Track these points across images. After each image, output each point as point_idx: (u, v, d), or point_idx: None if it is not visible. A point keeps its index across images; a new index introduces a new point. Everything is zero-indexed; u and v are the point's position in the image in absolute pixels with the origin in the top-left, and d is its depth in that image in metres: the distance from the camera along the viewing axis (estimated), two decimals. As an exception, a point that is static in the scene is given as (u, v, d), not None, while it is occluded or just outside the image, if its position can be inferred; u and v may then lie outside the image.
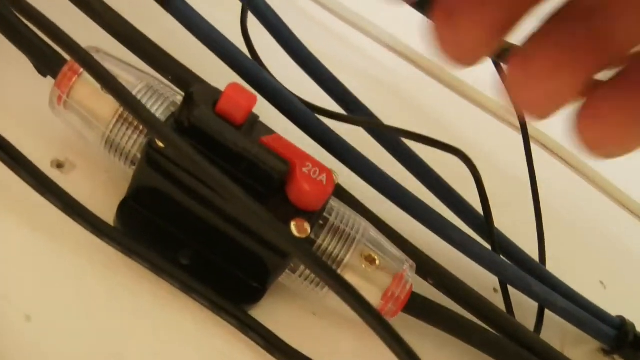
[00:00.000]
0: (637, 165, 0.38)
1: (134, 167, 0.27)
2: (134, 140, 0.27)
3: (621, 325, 0.36)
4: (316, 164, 0.26)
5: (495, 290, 0.36)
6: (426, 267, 0.31)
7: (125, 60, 0.28)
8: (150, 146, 0.25)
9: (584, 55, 0.14)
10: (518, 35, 0.15)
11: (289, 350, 0.27)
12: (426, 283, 0.31)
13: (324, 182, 0.25)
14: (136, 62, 0.28)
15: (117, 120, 0.27)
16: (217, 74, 0.28)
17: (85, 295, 0.26)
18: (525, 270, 0.34)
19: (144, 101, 0.27)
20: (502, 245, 0.35)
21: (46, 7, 0.25)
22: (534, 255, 0.36)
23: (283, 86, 0.31)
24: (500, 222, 0.35)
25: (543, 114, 0.15)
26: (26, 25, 0.28)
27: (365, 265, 0.27)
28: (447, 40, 0.15)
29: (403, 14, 0.31)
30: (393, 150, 0.33)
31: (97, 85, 0.26)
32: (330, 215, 0.27)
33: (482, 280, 0.34)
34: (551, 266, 0.36)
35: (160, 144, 0.25)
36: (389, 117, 0.34)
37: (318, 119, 0.31)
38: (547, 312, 0.35)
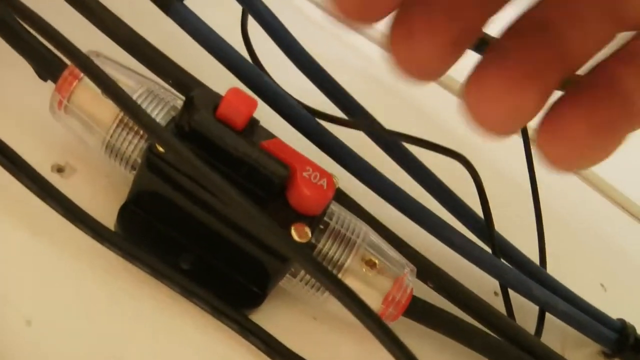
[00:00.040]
0: (639, 169, 0.38)
1: (134, 172, 0.27)
2: (134, 145, 0.27)
3: (622, 328, 0.36)
4: (316, 168, 0.26)
5: (495, 293, 0.36)
6: (427, 270, 0.31)
7: (126, 65, 0.28)
8: (150, 151, 0.25)
9: (542, 70, 0.14)
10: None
11: (289, 355, 0.27)
12: (427, 287, 0.31)
13: (325, 187, 0.25)
14: (136, 67, 0.28)
15: (118, 125, 0.27)
16: (218, 78, 0.28)
17: (85, 299, 0.26)
18: (525, 274, 0.34)
19: (144, 106, 0.27)
20: (502, 248, 0.35)
21: (46, 11, 0.25)
22: (535, 257, 0.36)
23: (283, 90, 0.31)
24: (501, 225, 0.35)
25: (502, 133, 0.15)
26: (26, 30, 0.28)
27: (365, 269, 0.27)
28: (404, 57, 0.14)
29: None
30: (393, 154, 0.33)
31: (98, 90, 0.26)
32: (331, 219, 0.27)
33: (482, 283, 0.34)
34: (551, 269, 0.36)
35: (161, 149, 0.25)
36: (389, 119, 0.34)
37: (318, 123, 0.31)
38: (547, 315, 0.35)
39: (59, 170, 0.29)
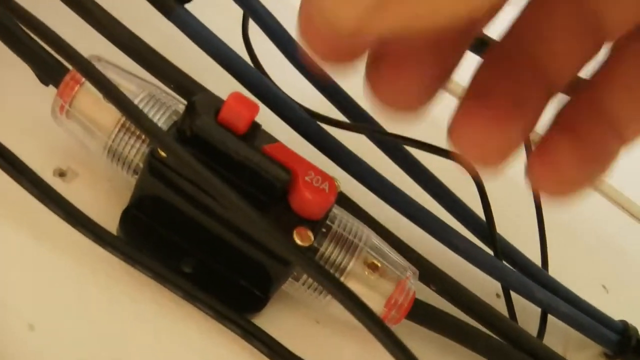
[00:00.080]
0: None
1: (136, 176, 0.27)
2: (136, 149, 0.27)
3: (624, 329, 0.36)
4: (318, 172, 0.26)
5: (497, 295, 0.36)
6: (429, 273, 0.31)
7: (127, 69, 0.28)
8: (152, 155, 0.25)
9: (525, 100, 0.13)
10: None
11: (292, 358, 0.27)
12: (429, 289, 0.31)
13: (327, 191, 0.25)
14: (138, 71, 0.28)
15: (120, 130, 0.27)
16: (220, 82, 0.29)
17: (88, 304, 0.26)
18: (527, 276, 0.34)
19: (146, 110, 0.27)
20: (504, 251, 0.35)
21: (48, 15, 0.25)
22: (536, 259, 0.36)
23: (285, 94, 0.31)
24: (503, 227, 0.35)
25: (501, 161, 0.14)
26: (28, 34, 0.28)
27: (368, 272, 0.27)
28: (386, 92, 0.14)
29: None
30: (395, 157, 0.33)
31: (100, 95, 0.26)
32: (333, 223, 0.27)
33: (484, 286, 0.34)
34: (553, 270, 0.36)
35: (163, 154, 0.25)
36: (391, 121, 0.34)
37: (320, 127, 0.31)
38: (549, 317, 0.35)
39: (61, 174, 0.29)
